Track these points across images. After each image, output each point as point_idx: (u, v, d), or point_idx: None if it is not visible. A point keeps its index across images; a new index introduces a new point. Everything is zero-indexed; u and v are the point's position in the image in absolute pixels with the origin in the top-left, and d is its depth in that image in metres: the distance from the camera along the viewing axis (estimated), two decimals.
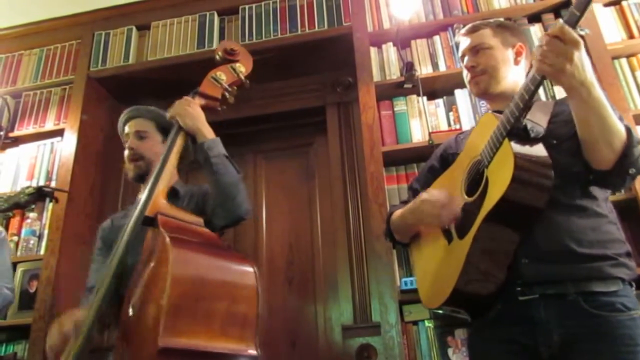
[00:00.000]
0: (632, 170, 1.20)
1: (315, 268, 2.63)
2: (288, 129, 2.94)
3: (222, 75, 1.62)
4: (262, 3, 2.80)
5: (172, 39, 2.83)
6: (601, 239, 1.24)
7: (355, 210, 2.55)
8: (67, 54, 2.94)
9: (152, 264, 1.20)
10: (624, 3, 2.38)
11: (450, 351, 1.97)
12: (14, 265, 2.36)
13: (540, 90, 2.23)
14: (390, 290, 2.06)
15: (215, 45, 2.75)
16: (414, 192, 1.63)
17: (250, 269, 1.25)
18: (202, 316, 1.12)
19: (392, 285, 2.07)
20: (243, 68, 1.66)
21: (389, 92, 2.47)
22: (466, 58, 1.54)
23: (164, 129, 1.71)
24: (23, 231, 2.52)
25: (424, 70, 2.46)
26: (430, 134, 2.29)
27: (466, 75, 1.54)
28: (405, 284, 2.06)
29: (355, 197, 2.57)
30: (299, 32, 2.68)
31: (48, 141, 2.77)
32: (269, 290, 2.63)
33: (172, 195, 1.67)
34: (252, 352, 1.16)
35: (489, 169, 1.26)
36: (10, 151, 2.80)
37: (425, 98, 2.40)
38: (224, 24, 2.86)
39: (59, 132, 2.73)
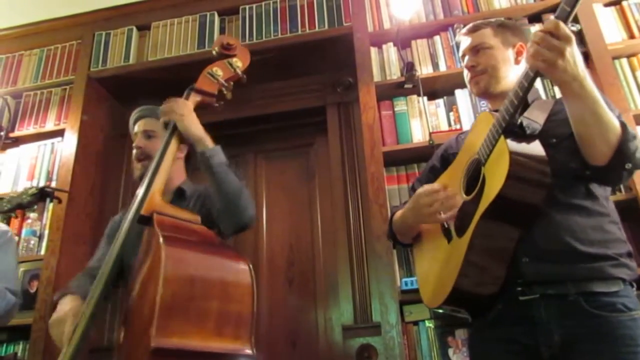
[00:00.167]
0: (628, 165, 1.20)
1: (316, 268, 2.63)
2: (288, 129, 2.94)
3: (218, 70, 1.60)
4: (263, 3, 2.80)
5: (173, 39, 2.83)
6: (602, 238, 1.24)
7: (356, 210, 2.55)
8: (67, 54, 2.94)
9: (147, 264, 1.20)
10: (624, 3, 2.38)
11: (450, 351, 1.97)
12: None
13: (541, 90, 2.24)
14: (390, 290, 2.06)
15: (210, 50, 2.74)
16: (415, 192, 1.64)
17: (244, 267, 1.24)
18: (196, 315, 1.11)
19: (393, 286, 2.06)
20: (240, 63, 1.64)
21: (390, 92, 2.47)
22: (466, 58, 1.54)
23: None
24: (23, 231, 2.52)
25: (424, 70, 2.46)
26: (430, 134, 2.29)
27: (466, 75, 1.55)
28: (406, 284, 2.06)
29: (356, 197, 2.57)
30: (300, 32, 2.68)
31: (48, 141, 2.77)
32: (270, 290, 2.63)
33: (179, 195, 1.68)
34: (248, 351, 1.17)
35: (486, 167, 1.26)
36: (11, 151, 2.80)
37: (425, 98, 2.40)
38: (224, 24, 2.87)
39: (60, 133, 2.73)
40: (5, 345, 2.38)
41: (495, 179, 1.18)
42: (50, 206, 2.57)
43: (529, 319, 1.22)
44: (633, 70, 2.27)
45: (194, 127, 1.50)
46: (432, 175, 1.60)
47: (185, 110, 1.50)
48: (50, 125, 2.78)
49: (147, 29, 2.93)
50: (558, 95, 2.19)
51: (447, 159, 1.59)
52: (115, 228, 1.70)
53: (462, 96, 2.39)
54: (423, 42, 2.54)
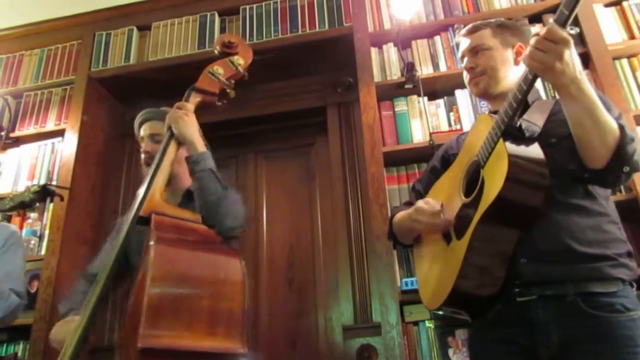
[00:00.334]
0: (626, 168, 1.20)
1: (316, 268, 2.63)
2: (289, 130, 2.94)
3: (219, 69, 1.60)
4: (263, 3, 2.80)
5: (173, 40, 2.84)
6: (601, 238, 1.24)
7: (356, 210, 2.55)
8: (67, 55, 2.95)
9: (142, 264, 1.20)
10: (624, 3, 2.38)
11: (450, 352, 1.97)
12: None
13: (541, 89, 2.23)
14: (390, 290, 2.06)
15: (212, 50, 2.74)
16: (416, 193, 1.64)
17: (236, 264, 1.23)
18: (186, 315, 1.11)
19: (393, 286, 2.06)
20: (242, 60, 1.63)
21: (390, 92, 2.47)
22: (465, 59, 1.54)
23: None
24: (24, 231, 2.52)
25: (424, 70, 2.46)
26: (431, 134, 2.29)
27: (466, 76, 1.55)
28: (406, 284, 2.06)
29: (356, 197, 2.57)
30: (300, 32, 2.69)
31: (49, 141, 2.77)
32: (270, 290, 2.63)
33: (188, 196, 1.68)
34: (240, 350, 1.14)
35: (485, 169, 1.27)
36: (11, 151, 2.80)
37: (426, 98, 2.40)
38: (224, 25, 2.87)
39: (60, 133, 2.73)
40: (5, 345, 2.38)
41: (494, 181, 1.19)
42: (50, 206, 2.58)
43: (527, 319, 1.22)
44: (633, 71, 2.27)
45: (187, 130, 1.50)
46: (433, 175, 1.60)
47: (182, 113, 1.51)
48: (50, 125, 2.79)
49: (147, 29, 2.94)
50: (554, 89, 2.19)
51: (447, 160, 1.59)
52: (118, 230, 1.71)
53: (462, 96, 2.39)
54: (423, 43, 2.55)
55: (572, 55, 1.11)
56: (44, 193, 1.65)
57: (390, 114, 2.45)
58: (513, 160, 1.16)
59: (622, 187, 2.06)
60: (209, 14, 2.85)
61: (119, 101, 3.03)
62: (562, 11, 1.08)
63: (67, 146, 2.66)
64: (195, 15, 2.87)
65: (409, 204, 1.60)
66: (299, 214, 2.77)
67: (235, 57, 1.63)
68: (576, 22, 2.17)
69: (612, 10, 2.39)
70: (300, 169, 2.89)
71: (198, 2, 2.90)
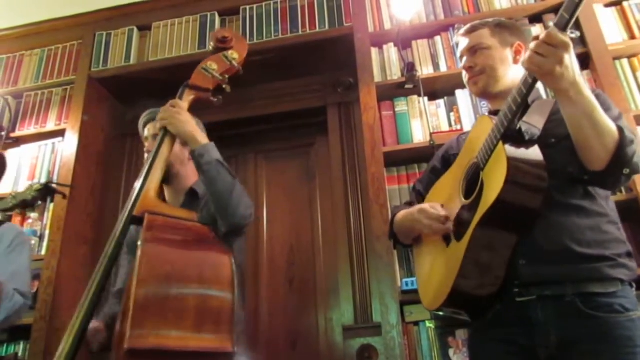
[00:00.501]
0: (626, 170, 1.20)
1: (316, 268, 2.63)
2: (289, 130, 2.94)
3: (213, 64, 1.58)
4: (263, 3, 2.80)
5: (173, 40, 2.84)
6: (600, 239, 1.24)
7: (356, 210, 2.55)
8: (68, 55, 2.95)
9: (133, 265, 1.20)
10: (625, 4, 2.38)
11: (451, 352, 1.97)
12: None
13: (541, 88, 2.23)
14: (391, 290, 2.06)
15: (208, 47, 2.75)
16: (417, 193, 1.64)
17: (226, 261, 1.22)
18: (173, 314, 1.10)
19: (393, 286, 2.06)
20: (236, 55, 1.61)
21: (390, 92, 2.47)
22: (465, 58, 1.54)
23: None
24: (25, 231, 2.52)
25: (425, 70, 2.46)
26: (431, 134, 2.29)
27: (465, 76, 1.55)
28: (406, 284, 2.06)
29: (356, 197, 2.57)
30: (300, 32, 2.68)
31: (49, 141, 2.77)
32: (270, 290, 2.63)
33: (191, 195, 1.68)
34: (229, 349, 1.13)
35: (484, 172, 1.27)
36: (12, 151, 2.80)
37: (426, 98, 2.40)
38: (224, 25, 2.87)
39: (60, 133, 2.73)
40: (5, 345, 2.38)
41: (494, 184, 1.19)
42: (51, 206, 2.58)
43: (526, 320, 1.22)
44: (634, 71, 2.26)
45: (184, 126, 1.49)
46: (434, 176, 1.60)
47: (174, 111, 1.50)
48: (51, 126, 2.79)
49: (147, 29, 2.94)
50: (553, 93, 2.19)
51: (448, 160, 1.59)
52: (131, 238, 1.70)
53: (462, 96, 2.39)
54: (424, 43, 2.55)
55: (571, 59, 1.12)
56: (47, 191, 1.65)
57: (390, 114, 2.45)
58: (512, 163, 1.16)
59: (622, 188, 2.06)
60: (209, 14, 2.85)
61: (119, 101, 3.03)
62: (563, 15, 1.08)
63: (68, 146, 2.66)
64: (196, 15, 2.87)
65: (410, 204, 1.60)
66: (299, 214, 2.77)
67: (230, 52, 1.61)
68: (576, 23, 2.18)
69: (613, 11, 2.39)
70: (300, 169, 2.89)
71: (198, 2, 2.90)
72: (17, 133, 2.81)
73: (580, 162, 1.23)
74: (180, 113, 1.50)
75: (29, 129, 2.81)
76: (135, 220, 1.29)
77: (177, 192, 1.74)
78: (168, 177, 1.58)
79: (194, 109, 1.57)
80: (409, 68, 2.41)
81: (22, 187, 2.66)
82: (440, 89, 2.46)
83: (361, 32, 2.56)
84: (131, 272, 1.16)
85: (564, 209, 1.26)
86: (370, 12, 2.64)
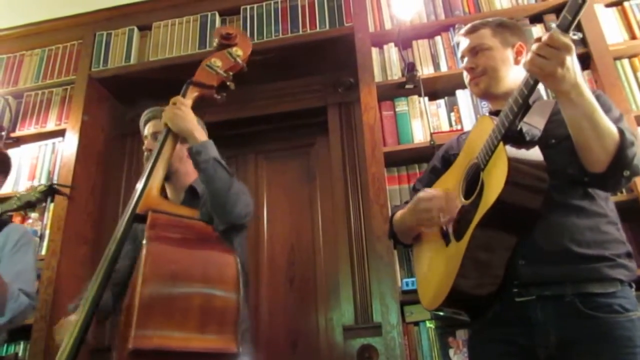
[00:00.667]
0: (626, 172, 1.19)
1: (317, 268, 2.63)
2: (289, 130, 2.94)
3: (217, 61, 1.57)
4: (264, 3, 2.80)
5: (174, 40, 2.84)
6: (599, 239, 1.24)
7: (357, 210, 2.55)
8: (68, 55, 2.95)
9: (136, 264, 1.20)
10: (625, 4, 2.38)
11: (451, 352, 1.97)
12: None
13: (542, 88, 2.23)
14: (391, 290, 2.06)
15: (212, 44, 2.75)
16: (416, 193, 1.63)
17: (231, 261, 1.21)
18: (177, 314, 1.10)
19: (393, 286, 2.06)
20: (240, 52, 1.60)
21: (391, 92, 2.47)
22: (466, 59, 1.54)
23: None
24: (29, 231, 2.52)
25: (425, 70, 2.46)
26: (431, 134, 2.29)
27: (466, 77, 1.54)
28: (407, 284, 2.06)
29: (357, 197, 2.57)
30: (301, 32, 2.68)
31: (49, 141, 2.77)
32: (270, 290, 2.63)
33: (191, 193, 1.67)
34: (233, 349, 1.12)
35: (485, 172, 1.27)
36: (12, 151, 2.79)
37: (426, 98, 2.40)
38: (225, 25, 2.87)
39: (61, 133, 2.73)
40: (6, 345, 2.38)
41: (494, 184, 1.19)
42: (51, 206, 2.57)
43: (525, 320, 1.22)
44: (634, 71, 2.26)
45: (183, 123, 1.48)
46: (434, 175, 1.60)
47: (176, 108, 1.49)
48: (51, 125, 2.79)
49: (148, 29, 2.94)
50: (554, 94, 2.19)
51: (448, 160, 1.59)
52: (132, 231, 1.70)
53: (463, 96, 2.39)
54: (424, 43, 2.54)
55: (573, 61, 1.11)
56: (50, 192, 1.65)
57: (391, 114, 2.44)
58: (513, 164, 1.16)
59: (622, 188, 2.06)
60: (209, 14, 2.85)
61: (119, 101, 3.03)
62: (565, 16, 1.08)
63: (68, 146, 2.66)
64: (196, 15, 2.87)
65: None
66: (299, 214, 2.77)
67: (234, 49, 1.60)
68: (577, 23, 2.17)
69: (613, 11, 2.39)
70: (300, 169, 2.89)
71: (198, 2, 2.90)
72: (18, 133, 2.81)
73: (580, 164, 1.23)
74: (181, 109, 1.49)
75: (29, 129, 2.81)
76: (139, 218, 1.28)
77: (176, 190, 1.73)
78: (167, 175, 1.58)
79: (195, 108, 1.56)
80: (410, 68, 2.41)
81: (22, 186, 2.67)
82: (440, 89, 2.46)
83: (362, 32, 2.56)
84: (135, 270, 1.16)
85: (563, 210, 1.26)
86: (371, 12, 2.64)
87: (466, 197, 1.33)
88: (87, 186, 2.69)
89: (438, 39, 2.53)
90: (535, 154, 1.21)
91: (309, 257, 2.67)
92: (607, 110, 1.22)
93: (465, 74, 1.55)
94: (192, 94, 1.55)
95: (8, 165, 2.05)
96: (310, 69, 2.83)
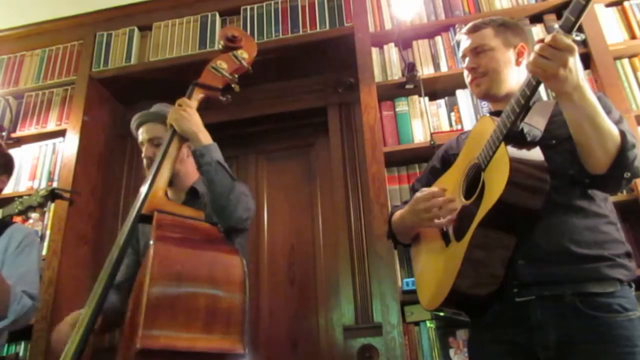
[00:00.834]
0: (627, 174, 1.20)
1: (317, 268, 2.63)
2: (289, 130, 2.94)
3: (222, 63, 1.57)
4: (264, 4, 2.80)
5: (174, 40, 2.84)
6: (599, 239, 1.24)
7: (357, 210, 2.55)
8: (69, 55, 2.95)
9: (143, 264, 1.20)
10: (625, 3, 2.38)
11: (451, 352, 1.97)
12: None
13: (542, 89, 2.23)
14: (391, 290, 2.06)
15: (217, 46, 2.75)
16: (415, 192, 1.63)
17: (237, 263, 1.21)
18: (184, 314, 1.10)
19: (394, 286, 2.07)
20: (246, 54, 1.61)
21: (391, 92, 2.47)
22: (467, 59, 1.53)
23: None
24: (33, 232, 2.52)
25: (425, 70, 2.46)
26: (432, 134, 2.29)
27: (467, 76, 1.54)
28: (407, 284, 2.06)
29: (357, 197, 2.57)
30: (301, 32, 2.68)
31: (50, 142, 2.77)
32: (270, 290, 2.63)
33: (192, 194, 1.68)
34: (239, 350, 1.13)
35: (486, 173, 1.27)
36: (13, 152, 2.77)
37: (426, 98, 2.40)
38: (225, 25, 2.87)
39: (61, 133, 2.74)
40: (7, 345, 2.38)
41: (496, 185, 1.19)
42: (52, 207, 2.57)
43: (525, 320, 1.22)
44: (634, 71, 2.26)
45: (190, 124, 1.48)
46: (432, 176, 1.60)
47: (182, 109, 1.49)
48: (51, 126, 2.79)
49: (148, 30, 2.94)
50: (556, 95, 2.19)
51: (447, 160, 1.59)
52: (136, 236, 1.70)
53: (463, 97, 2.39)
54: (424, 43, 2.55)
55: (575, 63, 1.11)
56: (52, 197, 1.66)
57: (391, 114, 2.45)
58: (515, 164, 1.16)
59: None
60: (209, 14, 2.85)
61: (120, 101, 3.04)
62: (568, 17, 1.08)
63: (68, 146, 2.66)
64: (196, 15, 2.87)
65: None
66: (299, 214, 2.78)
67: (239, 51, 1.61)
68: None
69: (613, 10, 2.39)
70: (301, 169, 2.89)
71: (199, 2, 2.90)
72: (18, 133, 2.82)
73: (581, 165, 1.24)
74: (186, 111, 1.49)
75: (30, 129, 2.81)
76: (144, 218, 1.29)
77: (177, 191, 1.73)
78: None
79: (198, 109, 1.57)
80: (410, 68, 2.41)
81: (23, 187, 2.67)
82: (440, 89, 2.46)
83: (362, 32, 2.56)
84: (141, 270, 1.17)
85: (563, 210, 1.26)
86: (371, 12, 2.64)
87: (466, 197, 1.33)
88: (87, 187, 2.69)
89: (438, 39, 2.53)
90: (536, 154, 1.21)
91: (309, 257, 2.67)
92: (607, 112, 1.22)
93: (466, 73, 1.54)
94: (198, 95, 1.55)
95: (11, 165, 2.05)
96: (311, 69, 2.83)
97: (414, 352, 2.03)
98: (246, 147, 2.97)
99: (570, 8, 1.07)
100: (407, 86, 2.42)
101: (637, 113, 2.12)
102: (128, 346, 1.12)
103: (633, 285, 1.26)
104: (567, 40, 1.08)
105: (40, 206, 1.65)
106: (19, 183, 2.70)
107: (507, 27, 1.53)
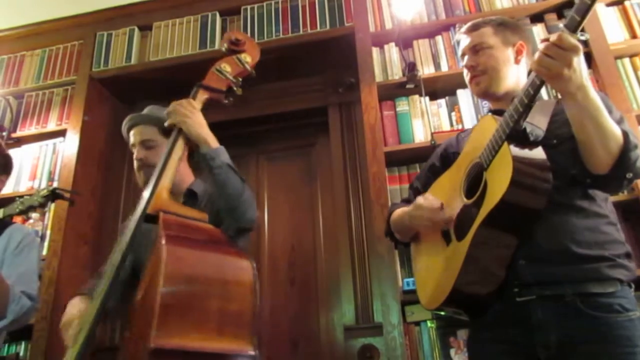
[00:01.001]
0: (629, 175, 1.20)
1: (318, 268, 2.63)
2: (290, 130, 2.94)
3: (226, 66, 1.59)
4: (264, 3, 2.80)
5: (174, 40, 2.84)
6: (599, 239, 1.24)
7: (358, 210, 2.55)
8: (69, 55, 2.95)
9: (150, 263, 1.20)
10: (626, 3, 2.37)
11: (452, 352, 1.97)
12: None
13: (542, 89, 2.23)
14: (392, 290, 2.06)
15: (217, 45, 2.75)
16: (414, 191, 1.64)
17: (246, 265, 1.23)
18: (196, 315, 1.10)
19: (394, 286, 2.06)
20: (249, 58, 1.63)
21: (391, 92, 2.47)
22: (466, 57, 1.53)
23: (169, 131, 1.69)
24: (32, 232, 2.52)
25: (426, 70, 2.46)
26: (432, 134, 2.29)
27: (466, 75, 1.54)
28: (408, 284, 2.06)
29: (358, 197, 2.57)
30: (301, 32, 2.68)
31: (50, 142, 2.78)
32: (271, 290, 2.63)
33: (190, 196, 1.68)
34: (250, 352, 1.15)
35: (488, 172, 1.26)
36: (13, 152, 2.77)
37: (427, 98, 2.40)
38: (225, 25, 2.87)
39: (61, 133, 2.74)
40: (7, 345, 2.38)
41: (498, 184, 1.18)
42: (52, 207, 2.57)
43: (525, 320, 1.22)
44: (635, 70, 2.26)
45: (198, 127, 1.49)
46: (432, 174, 1.60)
47: (188, 111, 1.50)
48: (52, 126, 2.79)
49: (148, 29, 2.94)
50: (560, 95, 2.19)
51: (447, 158, 1.59)
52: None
53: (464, 96, 2.39)
54: (425, 42, 2.54)
55: (580, 63, 1.11)
56: (53, 197, 1.66)
57: (391, 114, 2.44)
58: (517, 164, 1.16)
59: None
60: (210, 14, 2.85)
61: (120, 101, 3.04)
62: (574, 17, 1.08)
63: (69, 146, 2.66)
64: (197, 15, 2.87)
65: (407, 201, 1.60)
66: (300, 214, 2.77)
67: (243, 55, 1.62)
68: None
69: (614, 10, 2.39)
70: (301, 169, 2.89)
71: (199, 2, 2.90)
72: (18, 133, 2.82)
73: (583, 165, 1.23)
74: (194, 113, 1.50)
75: (30, 129, 2.81)
76: (149, 218, 1.29)
77: (174, 194, 1.73)
78: None
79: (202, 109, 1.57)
80: (410, 68, 2.40)
81: (23, 187, 2.67)
82: (441, 89, 2.45)
83: (362, 32, 2.56)
84: (150, 269, 1.17)
85: (563, 210, 1.26)
86: (371, 11, 2.64)
87: (468, 196, 1.33)
88: (88, 186, 2.69)
89: (439, 38, 2.53)
90: (539, 154, 1.21)
91: (309, 257, 2.67)
92: (608, 112, 1.22)
93: (465, 72, 1.54)
94: (202, 96, 1.56)
95: (10, 165, 2.05)
96: (311, 69, 2.83)
97: (414, 352, 2.03)
98: (247, 147, 2.97)
99: (576, 7, 1.07)
100: (408, 86, 2.42)
101: (637, 112, 2.11)
102: (137, 345, 1.12)
103: (633, 286, 1.26)
104: (573, 40, 1.08)
105: (41, 206, 1.65)
106: (19, 183, 2.70)
107: (506, 25, 1.53)
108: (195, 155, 1.55)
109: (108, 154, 2.90)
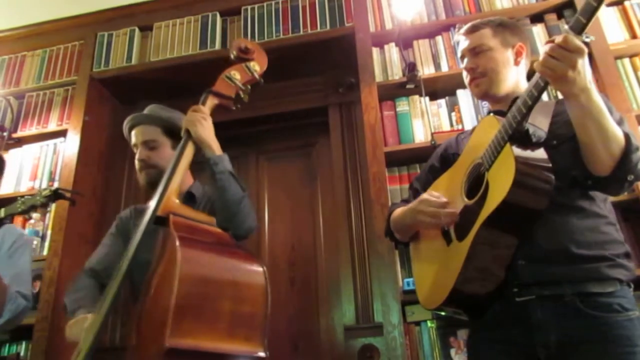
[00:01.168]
0: (630, 177, 1.20)
1: (318, 269, 2.63)
2: (290, 130, 2.94)
3: (236, 74, 1.63)
4: (265, 4, 2.80)
5: (175, 40, 2.84)
6: (599, 239, 1.24)
7: (358, 210, 2.55)
8: (69, 55, 2.95)
9: (162, 264, 1.21)
10: (626, 3, 2.37)
11: (452, 352, 1.97)
12: None
13: None
14: (392, 290, 2.06)
15: (217, 46, 2.76)
16: (414, 191, 1.64)
17: (258, 269, 1.25)
18: (209, 316, 1.12)
19: (395, 286, 2.07)
20: (258, 67, 1.67)
21: (391, 92, 2.47)
22: (466, 59, 1.53)
23: (171, 131, 1.71)
24: (26, 232, 2.52)
25: (426, 70, 2.46)
26: (432, 134, 2.29)
27: (466, 76, 1.54)
28: (408, 284, 2.06)
29: (358, 197, 2.57)
30: (301, 32, 2.69)
31: (51, 142, 2.78)
32: (271, 290, 2.62)
33: (189, 199, 1.69)
34: (260, 353, 1.16)
35: (490, 173, 1.26)
36: (14, 152, 2.81)
37: (427, 98, 2.40)
38: (226, 25, 2.87)
39: (62, 133, 2.74)
40: (7, 345, 2.39)
41: (500, 185, 1.18)
42: (53, 207, 2.58)
43: (525, 320, 1.22)
44: (635, 71, 2.26)
45: (205, 133, 1.53)
46: (431, 175, 1.60)
47: (199, 117, 1.54)
48: (52, 126, 2.79)
49: (149, 30, 2.94)
50: (560, 95, 2.19)
51: (446, 159, 1.59)
52: (124, 225, 1.71)
53: (464, 96, 2.39)
54: (425, 43, 2.54)
55: (584, 65, 1.11)
56: (54, 197, 1.67)
57: (391, 114, 2.45)
58: (520, 165, 1.16)
59: None
60: (210, 14, 2.85)
61: (120, 102, 3.04)
62: (579, 19, 1.08)
63: (69, 147, 2.66)
64: (197, 15, 2.87)
65: (407, 201, 1.60)
66: (300, 214, 2.78)
67: (252, 63, 1.66)
68: None
69: (614, 10, 2.38)
70: (301, 169, 2.89)
71: (200, 2, 2.90)
72: (19, 133, 2.82)
73: (584, 166, 1.24)
74: (205, 119, 1.55)
75: (31, 130, 2.82)
76: (159, 220, 1.31)
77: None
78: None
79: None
80: (410, 68, 2.41)
81: (23, 187, 2.68)
82: (441, 89, 2.46)
83: (362, 32, 2.56)
84: (162, 270, 1.19)
85: (563, 210, 1.26)
86: (371, 12, 2.64)
87: (469, 196, 1.33)
88: (88, 186, 2.70)
89: (439, 38, 2.53)
90: (541, 155, 1.21)
91: (310, 257, 2.67)
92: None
93: (465, 73, 1.54)
94: (212, 102, 1.60)
95: (2, 166, 2.05)
96: (311, 69, 2.83)
97: (414, 352, 2.03)
98: (247, 147, 2.97)
99: (582, 9, 1.07)
100: (408, 86, 2.43)
101: (637, 112, 2.11)
102: (148, 345, 1.14)
103: (632, 285, 1.26)
104: (578, 42, 1.08)
105: (43, 206, 1.66)
106: (20, 183, 2.71)
107: (506, 27, 1.53)
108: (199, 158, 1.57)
109: (108, 154, 2.90)
